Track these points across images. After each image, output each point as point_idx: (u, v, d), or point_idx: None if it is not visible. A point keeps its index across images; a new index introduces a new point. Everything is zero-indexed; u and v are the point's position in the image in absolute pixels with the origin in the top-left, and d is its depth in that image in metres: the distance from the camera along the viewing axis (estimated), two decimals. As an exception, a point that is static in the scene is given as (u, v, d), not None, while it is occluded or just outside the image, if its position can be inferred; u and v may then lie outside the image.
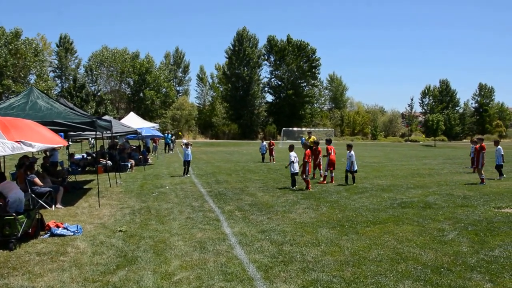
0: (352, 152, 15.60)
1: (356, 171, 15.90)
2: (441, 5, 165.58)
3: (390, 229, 8.61)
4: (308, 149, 14.55)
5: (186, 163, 18.85)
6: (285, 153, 19.02)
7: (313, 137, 22.81)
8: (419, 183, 16.03)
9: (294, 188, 14.47)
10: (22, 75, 55.51)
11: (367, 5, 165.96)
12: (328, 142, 17.54)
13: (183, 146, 19.17)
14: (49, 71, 67.11)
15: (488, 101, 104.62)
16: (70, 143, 30.58)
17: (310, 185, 14.29)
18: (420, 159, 31.49)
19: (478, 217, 9.80)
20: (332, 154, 16.52)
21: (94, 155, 22.74)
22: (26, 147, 7.34)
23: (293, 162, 14.37)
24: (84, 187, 15.51)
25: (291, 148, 14.98)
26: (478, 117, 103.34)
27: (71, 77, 70.00)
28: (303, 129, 67.88)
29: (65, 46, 76.01)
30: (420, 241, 7.72)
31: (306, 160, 14.09)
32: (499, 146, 17.51)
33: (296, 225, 9.03)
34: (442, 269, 6.20)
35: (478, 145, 16.44)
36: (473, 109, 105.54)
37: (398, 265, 6.40)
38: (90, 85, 70.96)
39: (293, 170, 14.44)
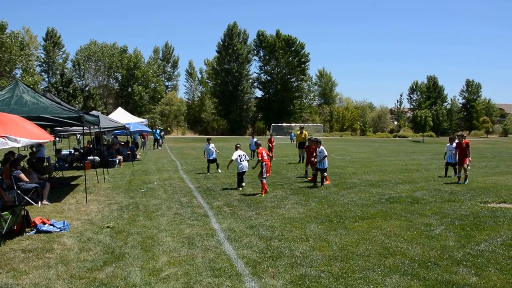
0: (322, 148, 14.37)
1: (325, 169, 14.36)
2: (431, 1, 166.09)
3: (378, 224, 8.66)
4: (261, 148, 13.14)
5: (210, 162, 18.32)
6: (278, 148, 19.03)
7: (305, 133, 22.82)
8: (407, 179, 16.12)
9: (240, 188, 13.67)
10: (8, 69, 54.68)
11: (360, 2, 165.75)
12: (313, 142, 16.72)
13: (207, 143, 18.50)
14: (35, 65, 66.24)
15: (475, 97, 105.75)
16: (57, 139, 30.36)
17: (264, 190, 12.61)
18: (408, 154, 31.70)
19: (465, 212, 9.89)
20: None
21: (81, 150, 22.54)
22: (11, 142, 7.24)
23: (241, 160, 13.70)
24: (71, 183, 15.35)
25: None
26: (465, 113, 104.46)
27: (58, 72, 69.19)
28: (293, 124, 67.98)
29: (53, 40, 75.12)
30: (408, 235, 7.77)
31: (259, 158, 12.86)
32: (453, 144, 16.13)
33: (285, 221, 9.03)
34: (429, 263, 6.24)
35: (464, 142, 15.19)
36: (461, 105, 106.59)
37: (386, 260, 6.43)
38: (78, 80, 70.20)
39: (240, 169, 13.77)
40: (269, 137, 25.51)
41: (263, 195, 12.31)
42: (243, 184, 14.00)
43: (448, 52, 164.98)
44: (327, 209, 10.23)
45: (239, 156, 13.72)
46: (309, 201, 11.30)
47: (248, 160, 13.97)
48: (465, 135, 15.79)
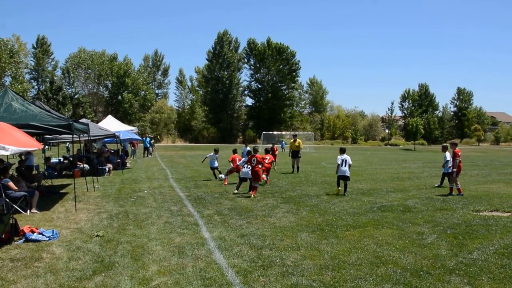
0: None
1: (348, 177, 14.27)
2: (421, 6, 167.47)
3: (370, 233, 8.66)
4: (235, 154, 14.08)
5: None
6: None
7: (298, 141, 22.48)
8: (398, 187, 16.19)
9: (236, 191, 14.28)
10: (-3, 77, 54.36)
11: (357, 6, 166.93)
12: (266, 151, 16.71)
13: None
14: (25, 73, 65.79)
15: (466, 105, 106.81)
16: (46, 147, 30.11)
17: (254, 192, 13.54)
18: (400, 162, 31.89)
19: (457, 220, 9.93)
20: (268, 160, 16.01)
21: (71, 158, 22.36)
22: (-1, 150, 7.15)
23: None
24: (61, 191, 15.20)
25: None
26: (457, 121, 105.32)
27: (47, 79, 68.78)
28: (283, 132, 68.11)
29: (43, 48, 74.75)
30: (400, 244, 7.77)
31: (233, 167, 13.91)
32: (446, 152, 15.62)
33: (276, 229, 9.00)
34: (422, 272, 6.24)
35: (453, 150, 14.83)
36: (452, 113, 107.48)
37: (377, 269, 6.42)
38: (67, 87, 69.81)
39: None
40: (271, 145, 25.41)
41: (252, 196, 13.30)
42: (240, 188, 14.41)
43: (440, 60, 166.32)
44: (319, 218, 10.22)
45: (243, 162, 14.44)
46: (300, 210, 11.28)
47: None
48: (456, 143, 15.41)
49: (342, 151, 14.53)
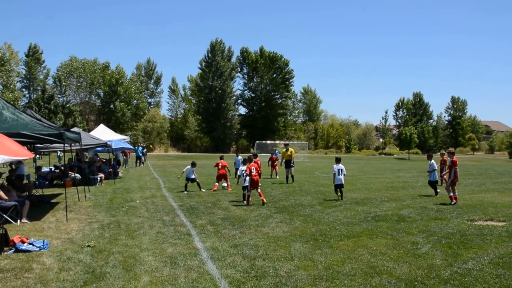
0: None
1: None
2: (415, 15, 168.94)
3: (364, 243, 8.63)
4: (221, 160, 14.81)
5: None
6: (262, 166, 18.92)
7: (291, 150, 22.41)
8: (393, 196, 16.20)
9: (245, 202, 14.25)
10: (-12, 86, 54.01)
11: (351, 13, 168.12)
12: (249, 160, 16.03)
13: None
14: (16, 81, 65.38)
15: (461, 114, 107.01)
16: (37, 156, 29.87)
17: (248, 200, 14.01)
18: (394, 172, 31.95)
19: (452, 230, 9.93)
20: (254, 173, 14.82)
21: (62, 168, 22.18)
22: (-11, 159, 7.06)
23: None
24: (52, 201, 15.07)
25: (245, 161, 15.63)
26: (451, 130, 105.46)
27: (39, 88, 68.41)
28: (277, 142, 68.10)
29: (35, 56, 74.39)
30: (394, 254, 7.74)
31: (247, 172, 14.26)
32: (432, 160, 16.35)
33: (269, 240, 8.95)
34: (416, 283, 6.22)
35: (451, 159, 14.87)
36: (446, 122, 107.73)
37: (372, 279, 6.39)
38: (59, 96, 69.47)
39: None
40: (271, 154, 25.38)
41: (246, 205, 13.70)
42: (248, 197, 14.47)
43: (434, 69, 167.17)
44: (312, 228, 10.18)
45: (242, 171, 14.88)
46: (293, 220, 11.24)
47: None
48: (453, 152, 15.44)
49: (338, 160, 15.31)
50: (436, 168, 16.33)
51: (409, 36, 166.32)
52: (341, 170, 14.96)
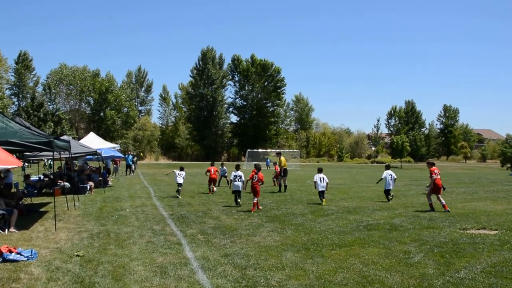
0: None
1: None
2: (406, 23, 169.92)
3: (356, 252, 8.60)
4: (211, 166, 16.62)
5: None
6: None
7: (282, 158, 22.39)
8: (385, 205, 16.21)
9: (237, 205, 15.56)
10: (-24, 93, 53.53)
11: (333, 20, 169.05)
12: (236, 167, 17.06)
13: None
14: (5, 88, 64.89)
15: (453, 122, 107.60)
16: (26, 164, 29.57)
17: (254, 207, 14.60)
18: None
19: (444, 238, 9.93)
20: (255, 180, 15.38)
21: (51, 176, 21.98)
22: (-23, 168, 6.97)
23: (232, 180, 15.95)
24: (40, 210, 14.90)
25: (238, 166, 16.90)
26: (443, 139, 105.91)
27: (28, 95, 67.92)
28: (268, 150, 68.10)
29: (24, 64, 73.97)
30: (386, 263, 7.72)
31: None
32: (386, 171, 17.27)
33: (260, 249, 8.89)
34: (407, 292, 6.19)
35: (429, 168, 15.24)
36: (438, 130, 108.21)
37: (363, 289, 6.35)
38: (49, 104, 68.97)
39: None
40: (274, 164, 25.28)
41: (253, 212, 14.16)
42: (239, 201, 15.74)
43: (426, 77, 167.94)
44: (304, 237, 10.14)
45: (234, 176, 15.74)
46: (285, 229, 11.19)
47: (243, 181, 15.61)
48: (433, 162, 15.66)
49: (319, 170, 17.10)
50: (385, 176, 17.23)
51: (402, 44, 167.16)
52: (323, 178, 16.48)
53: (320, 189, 16.42)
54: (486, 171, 58.46)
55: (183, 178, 19.31)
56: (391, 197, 17.28)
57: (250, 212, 14.11)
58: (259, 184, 14.88)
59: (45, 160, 32.24)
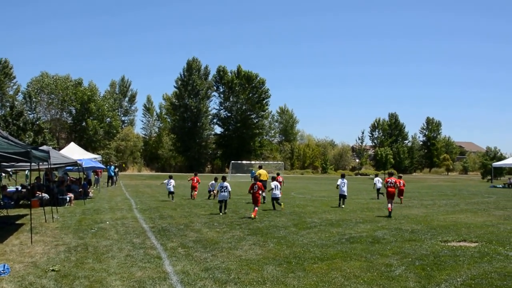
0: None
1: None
2: (390, 37, 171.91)
3: (337, 265, 8.50)
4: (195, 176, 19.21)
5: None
6: (237, 187, 18.74)
7: (261, 171, 22.29)
8: (368, 218, 16.17)
9: (221, 213, 16.63)
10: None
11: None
12: (223, 178, 18.23)
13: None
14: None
15: (435, 134, 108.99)
16: (3, 174, 28.93)
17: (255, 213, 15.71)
18: (369, 193, 31.94)
19: (425, 251, 9.91)
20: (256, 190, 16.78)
21: (29, 187, 21.53)
22: None
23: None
24: (16, 222, 14.51)
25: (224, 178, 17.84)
26: (426, 151, 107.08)
27: (8, 104, 66.79)
28: (253, 162, 67.94)
29: (4, 71, 72.82)
30: (368, 277, 7.64)
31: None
32: (273, 182, 19.05)
33: (242, 262, 8.74)
34: (389, 308, 6.10)
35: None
36: (421, 143, 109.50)
37: (345, 304, 6.24)
38: (29, 112, 67.85)
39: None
40: (276, 175, 25.08)
41: (253, 216, 15.47)
42: (225, 211, 16.91)
43: (409, 89, 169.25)
44: (286, 250, 10.01)
45: (220, 187, 16.96)
46: (267, 242, 11.05)
47: (229, 191, 17.18)
48: (392, 172, 19.81)
49: (273, 179, 19.64)
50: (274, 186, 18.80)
51: (385, 58, 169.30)
52: (277, 186, 18.38)
53: (273, 196, 18.26)
54: (467, 183, 59.13)
55: (173, 186, 21.97)
56: (343, 204, 20.08)
57: (232, 225, 13.93)
58: (259, 193, 16.45)
59: (26, 171, 31.64)
